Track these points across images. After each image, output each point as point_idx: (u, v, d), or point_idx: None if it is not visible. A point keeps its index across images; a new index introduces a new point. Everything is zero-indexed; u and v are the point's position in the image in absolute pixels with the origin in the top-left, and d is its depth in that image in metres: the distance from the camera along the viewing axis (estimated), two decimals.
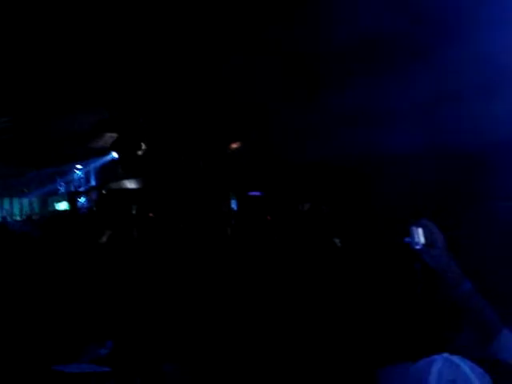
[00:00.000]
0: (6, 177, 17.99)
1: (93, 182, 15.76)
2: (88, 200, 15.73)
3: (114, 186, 13.61)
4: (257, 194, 11.41)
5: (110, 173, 14.07)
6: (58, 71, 9.31)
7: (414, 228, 1.45)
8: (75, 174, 16.58)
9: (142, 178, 12.89)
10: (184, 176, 12.01)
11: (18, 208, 20.17)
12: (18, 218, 18.88)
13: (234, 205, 11.94)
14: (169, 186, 11.93)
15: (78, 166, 16.02)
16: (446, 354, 1.11)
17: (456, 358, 1.09)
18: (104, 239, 8.79)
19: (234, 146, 12.68)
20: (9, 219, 17.97)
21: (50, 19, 7.30)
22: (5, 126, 12.68)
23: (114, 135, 12.27)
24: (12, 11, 6.91)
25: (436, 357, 1.11)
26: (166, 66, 8.99)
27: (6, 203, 20.06)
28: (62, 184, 18.13)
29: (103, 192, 13.99)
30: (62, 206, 17.60)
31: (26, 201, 20.06)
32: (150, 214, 11.27)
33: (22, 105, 11.34)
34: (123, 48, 8.47)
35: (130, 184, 13.44)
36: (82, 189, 16.38)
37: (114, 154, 13.38)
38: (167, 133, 11.71)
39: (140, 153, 11.67)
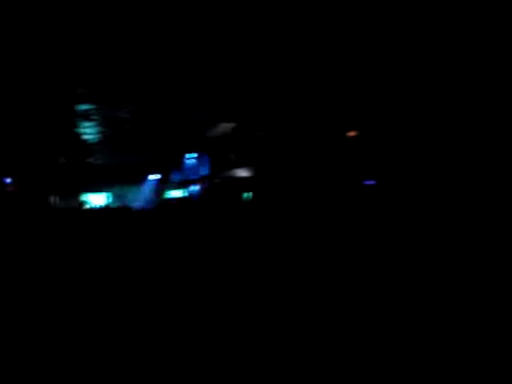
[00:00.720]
0: (122, 165, 19.06)
1: (205, 171, 16.01)
2: (200, 188, 16.05)
3: (226, 174, 13.66)
4: (371, 183, 10.95)
5: (222, 161, 14.14)
6: (183, 67, 9.42)
7: None
8: (188, 163, 16.98)
9: (254, 167, 12.74)
10: (297, 165, 11.67)
11: (132, 195, 21.42)
12: (131, 204, 20.08)
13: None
14: (282, 175, 11.66)
15: (191, 155, 16.37)
16: None
17: None
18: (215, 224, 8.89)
19: (352, 134, 12.16)
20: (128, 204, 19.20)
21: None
22: (126, 115, 13.24)
23: (230, 125, 12.24)
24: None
25: None
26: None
27: (121, 190, 21.40)
28: (176, 172, 18.78)
29: (215, 180, 14.13)
30: (175, 193, 18.25)
31: (139, 188, 21.21)
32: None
33: (142, 95, 11.69)
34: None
35: (243, 172, 13.38)
36: (194, 177, 16.75)
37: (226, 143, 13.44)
38: (282, 121, 11.38)
39: (255, 142, 11.49)
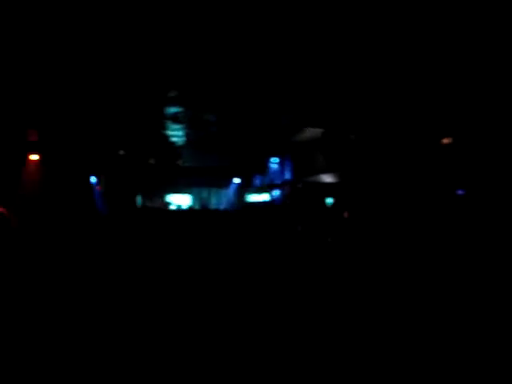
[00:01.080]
0: (207, 168, 19.50)
1: (287, 176, 15.74)
2: (282, 193, 15.84)
3: (310, 179, 13.25)
4: (461, 192, 10.18)
5: (306, 166, 13.77)
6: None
7: None
8: (271, 167, 16.87)
9: (340, 173, 12.18)
10: (386, 171, 10.98)
11: (215, 198, 21.89)
12: (214, 207, 20.50)
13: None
14: (370, 181, 11.02)
15: (275, 159, 16.23)
16: None
17: None
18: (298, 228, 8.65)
19: (446, 141, 11.26)
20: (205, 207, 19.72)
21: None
22: (212, 118, 13.41)
23: (318, 130, 11.85)
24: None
25: None
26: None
27: (205, 193, 21.94)
28: (258, 177, 18.80)
29: (298, 185, 13.78)
30: (256, 197, 18.24)
31: (222, 191, 21.58)
32: (346, 215, 10.68)
33: (229, 99, 11.75)
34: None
35: (327, 178, 12.87)
36: (277, 182, 16.58)
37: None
38: (377, 125, 10.75)
39: (344, 147, 10.97)
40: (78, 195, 13.09)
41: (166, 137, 15.18)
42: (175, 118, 13.15)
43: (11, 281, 3.80)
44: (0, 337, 3.08)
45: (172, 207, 20.85)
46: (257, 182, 19.11)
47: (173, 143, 15.95)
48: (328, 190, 12.72)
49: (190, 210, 20.07)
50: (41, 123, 11.19)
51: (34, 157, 12.07)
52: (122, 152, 16.54)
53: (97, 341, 3.03)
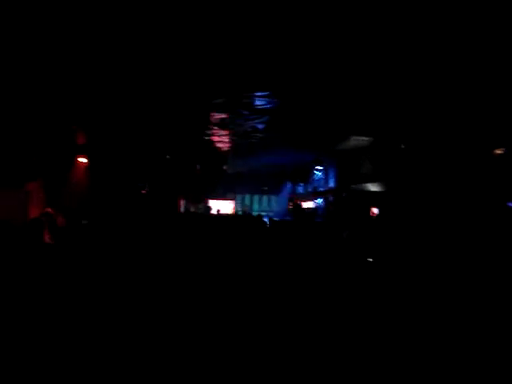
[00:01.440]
0: (249, 176, 19.65)
1: (331, 184, 15.60)
2: (325, 201, 15.71)
3: (356, 187, 13.05)
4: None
5: (351, 175, 13.58)
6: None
7: None
8: (315, 175, 16.78)
9: (386, 181, 11.92)
10: (436, 182, 10.65)
11: (257, 204, 22.03)
12: (256, 213, 20.57)
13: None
14: (418, 191, 10.71)
15: (319, 167, 16.14)
16: None
17: None
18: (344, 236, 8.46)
19: (498, 152, 10.82)
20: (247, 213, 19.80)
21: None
22: (259, 126, 13.49)
23: (363, 138, 11.67)
24: None
25: None
26: None
27: (247, 199, 22.12)
28: (301, 184, 18.77)
29: (343, 194, 13.61)
30: (302, 205, 18.21)
31: (264, 198, 21.70)
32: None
33: (276, 107, 11.78)
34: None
35: (373, 187, 12.64)
36: (320, 189, 16.46)
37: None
38: (428, 135, 10.47)
39: (395, 155, 10.73)
40: (124, 198, 13.40)
41: (213, 143, 15.42)
42: (222, 125, 13.35)
43: (57, 279, 3.82)
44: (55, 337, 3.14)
45: (214, 212, 21.15)
46: (300, 189, 19.06)
47: (219, 149, 16.20)
48: (374, 198, 12.50)
49: (233, 215, 20.27)
50: (90, 126, 11.56)
51: (82, 159, 12.37)
52: (168, 157, 16.95)
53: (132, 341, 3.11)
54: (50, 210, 10.19)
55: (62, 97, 9.32)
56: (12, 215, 7.85)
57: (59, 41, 6.89)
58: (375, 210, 12.43)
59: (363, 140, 12.09)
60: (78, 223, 9.95)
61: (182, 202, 20.59)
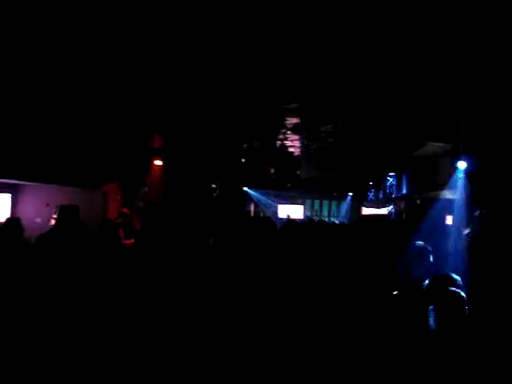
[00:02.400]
0: (319, 180, 19.70)
1: (404, 190, 15.31)
2: (396, 208, 15.45)
3: (430, 195, 12.73)
4: None
5: (426, 181, 13.27)
6: None
7: None
8: (388, 181, 16.55)
9: (466, 189, 11.51)
10: None
11: (326, 209, 22.03)
12: (325, 219, 20.56)
13: None
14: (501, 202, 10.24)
15: (391, 173, 15.91)
16: None
17: None
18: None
19: None
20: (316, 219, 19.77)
21: None
22: (330, 130, 13.61)
23: (441, 145, 11.37)
24: None
25: None
26: None
27: (317, 204, 22.18)
28: (372, 190, 18.57)
29: (417, 201, 13.33)
30: (370, 211, 18.02)
31: (334, 203, 21.65)
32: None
33: (348, 110, 11.83)
34: None
35: (449, 195, 12.25)
36: (392, 196, 16.21)
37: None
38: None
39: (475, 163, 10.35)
40: (198, 200, 13.71)
41: (285, 147, 15.75)
42: (294, 129, 13.62)
43: (131, 278, 3.75)
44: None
45: (283, 217, 21.40)
46: (371, 195, 18.84)
47: (291, 154, 16.49)
48: (449, 206, 12.12)
49: (301, 220, 20.43)
50: (166, 130, 11.91)
51: (158, 162, 12.75)
52: (243, 160, 17.49)
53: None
54: (126, 210, 10.41)
55: (138, 100, 9.70)
56: (91, 215, 8.08)
57: (138, 43, 7.35)
58: (449, 218, 12.04)
59: (441, 146, 11.78)
60: (153, 225, 10.47)
61: (253, 206, 21.08)
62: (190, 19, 6.50)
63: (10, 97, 7.65)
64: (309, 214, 21.40)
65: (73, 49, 7.02)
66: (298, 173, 18.42)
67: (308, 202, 21.32)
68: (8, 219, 5.15)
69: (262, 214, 21.18)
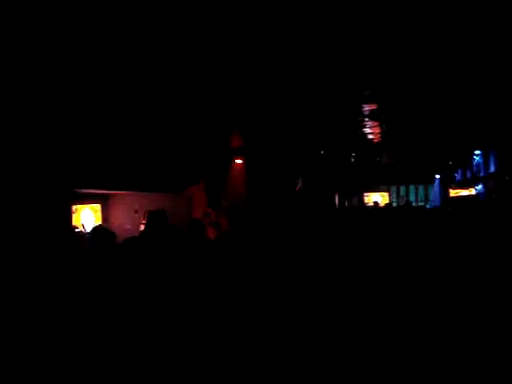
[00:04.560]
0: (403, 165, 19.36)
1: (492, 168, 14.74)
2: (486, 187, 14.91)
3: None
4: None
5: None
6: None
7: None
8: (474, 160, 15.99)
9: None
10: None
11: (413, 194, 21.57)
12: (413, 204, 20.07)
13: None
14: None
15: (477, 152, 15.36)
16: None
17: None
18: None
19: None
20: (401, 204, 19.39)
21: None
22: (409, 114, 13.52)
23: None
24: None
25: None
26: None
27: (402, 190, 21.79)
28: (459, 171, 17.99)
29: (506, 178, 12.90)
30: (459, 192, 17.46)
31: (421, 188, 21.15)
32: None
33: (426, 92, 11.71)
34: None
35: None
36: (480, 175, 15.64)
37: None
38: None
39: None
40: (281, 197, 13.71)
41: (365, 135, 15.88)
42: (372, 116, 13.74)
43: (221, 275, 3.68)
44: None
45: (370, 204, 21.37)
46: (458, 176, 18.22)
47: (371, 140, 16.55)
48: None
49: (388, 207, 20.26)
50: (245, 128, 11.87)
51: (239, 161, 12.89)
52: (322, 152, 17.82)
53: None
54: (210, 210, 10.88)
55: (218, 102, 9.76)
56: (177, 219, 8.00)
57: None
58: None
59: None
60: (239, 223, 10.60)
61: (336, 197, 21.28)
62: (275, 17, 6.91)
63: (99, 113, 8.02)
64: (395, 200, 21.19)
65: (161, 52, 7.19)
66: (378, 159, 18.30)
67: (393, 188, 21.11)
68: (96, 226, 5.39)
69: (346, 204, 21.33)
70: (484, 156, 15.39)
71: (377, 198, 21.24)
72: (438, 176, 18.87)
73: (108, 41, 6.24)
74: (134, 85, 8.12)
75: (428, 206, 18.88)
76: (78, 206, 9.95)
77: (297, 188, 16.95)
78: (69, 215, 8.93)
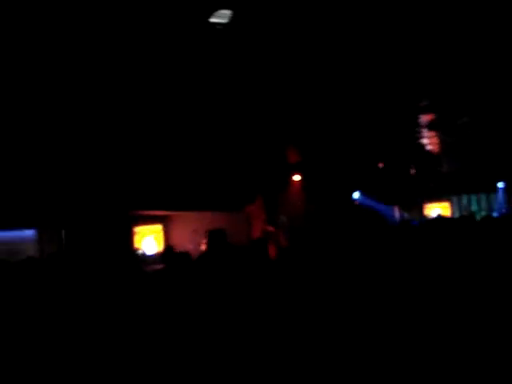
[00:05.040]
0: (463, 174, 18.98)
1: None
2: None
3: None
4: None
5: None
6: None
7: None
8: None
9: None
10: None
11: (475, 204, 20.78)
12: (476, 216, 19.41)
13: None
14: None
15: None
16: None
17: None
18: None
19: None
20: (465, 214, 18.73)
21: None
22: (467, 122, 13.66)
23: None
24: None
25: None
26: None
27: (464, 199, 21.06)
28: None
29: None
30: None
31: (483, 197, 20.46)
32: None
33: (481, 100, 11.81)
34: None
35: None
36: None
37: None
38: None
39: None
40: (341, 212, 13.65)
41: (423, 145, 15.96)
42: (430, 126, 13.96)
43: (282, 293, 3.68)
44: None
45: (431, 217, 20.90)
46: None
47: (430, 152, 16.53)
48: None
49: (451, 219, 19.74)
50: (301, 144, 12.35)
51: (297, 177, 12.97)
52: (381, 165, 17.95)
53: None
54: (271, 228, 10.97)
55: (276, 119, 10.17)
56: (237, 237, 8.02)
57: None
58: None
59: None
60: (298, 240, 9.97)
61: (396, 210, 21.05)
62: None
63: (160, 137, 8.43)
64: (457, 210, 20.69)
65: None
66: (437, 169, 18.13)
67: (454, 198, 20.66)
68: (165, 248, 5.78)
69: (406, 216, 21.05)
70: None
71: (437, 209, 20.75)
72: (501, 184, 18.41)
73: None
74: (195, 104, 8.73)
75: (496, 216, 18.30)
76: (139, 228, 10.27)
77: (356, 203, 16.87)
78: (131, 237, 9.38)
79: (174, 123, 8.71)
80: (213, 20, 6.57)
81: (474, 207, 20.49)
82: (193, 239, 9.89)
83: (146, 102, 7.90)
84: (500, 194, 18.79)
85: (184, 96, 8.27)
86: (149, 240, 10.35)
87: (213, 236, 5.32)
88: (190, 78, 8.11)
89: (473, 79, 10.06)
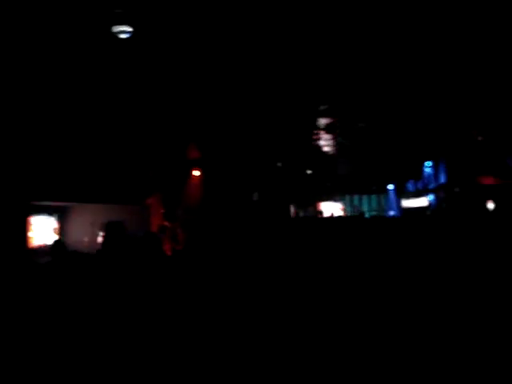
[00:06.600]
0: (356, 176, 19.71)
1: (442, 179, 15.26)
2: (436, 198, 15.40)
3: (469, 182, 12.73)
4: None
5: (464, 170, 13.23)
6: None
7: None
8: (425, 171, 16.50)
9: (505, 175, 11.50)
10: None
11: (366, 204, 21.88)
12: (366, 214, 20.41)
13: None
14: None
15: (428, 163, 15.87)
16: None
17: None
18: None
19: None
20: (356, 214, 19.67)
21: None
22: (363, 126, 13.76)
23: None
24: None
25: None
26: None
27: (356, 200, 22.07)
28: (411, 182, 18.49)
29: (455, 189, 13.33)
30: (411, 203, 17.93)
31: (373, 198, 21.53)
32: None
33: (379, 106, 11.92)
34: None
35: (489, 180, 12.25)
36: (431, 186, 16.16)
37: None
38: None
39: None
40: (237, 208, 13.63)
41: (320, 147, 16.01)
42: (327, 129, 13.87)
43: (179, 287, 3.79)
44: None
45: (325, 215, 21.43)
46: (410, 186, 18.75)
47: (326, 153, 16.72)
48: (490, 193, 12.09)
49: (342, 217, 20.43)
50: (202, 140, 12.17)
51: (196, 173, 12.93)
52: (279, 164, 17.79)
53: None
54: (166, 223, 10.85)
55: (176, 115, 10.00)
56: (136, 229, 8.07)
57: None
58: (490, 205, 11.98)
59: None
60: (194, 235, 10.41)
61: (292, 208, 21.28)
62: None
63: (57, 124, 8.13)
64: (349, 209, 21.41)
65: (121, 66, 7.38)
66: (333, 170, 18.55)
67: (347, 198, 21.35)
68: (54, 241, 5.39)
69: (301, 214, 21.33)
70: (434, 167, 15.90)
71: (330, 207, 21.32)
72: (390, 186, 19.33)
73: None
74: (95, 94, 8.20)
75: (387, 215, 19.24)
76: (35, 219, 9.80)
77: (254, 199, 16.80)
78: (26, 228, 8.83)
79: (72, 114, 8.47)
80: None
81: (364, 207, 21.46)
82: (89, 232, 9.98)
83: (46, 94, 7.58)
84: (390, 196, 19.83)
85: (87, 88, 8.04)
86: (44, 231, 10.02)
87: (110, 228, 5.23)
88: (95, 70, 7.59)
89: (371, 86, 9.90)
